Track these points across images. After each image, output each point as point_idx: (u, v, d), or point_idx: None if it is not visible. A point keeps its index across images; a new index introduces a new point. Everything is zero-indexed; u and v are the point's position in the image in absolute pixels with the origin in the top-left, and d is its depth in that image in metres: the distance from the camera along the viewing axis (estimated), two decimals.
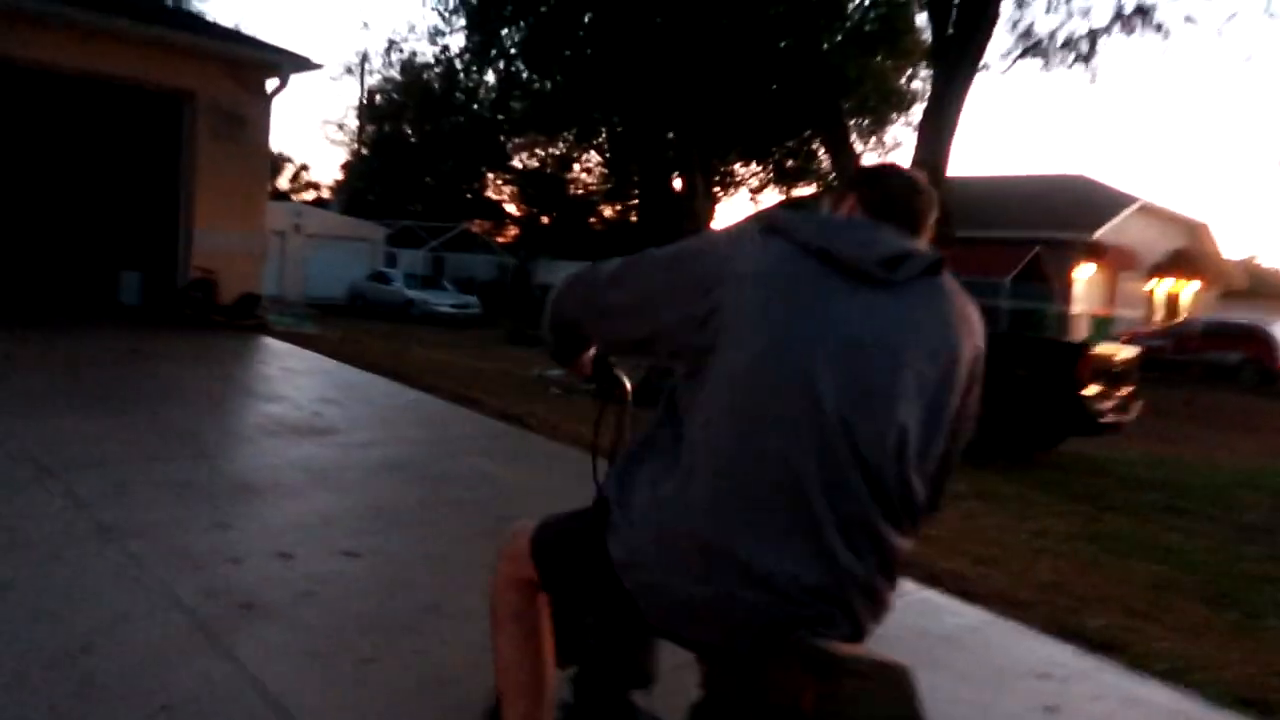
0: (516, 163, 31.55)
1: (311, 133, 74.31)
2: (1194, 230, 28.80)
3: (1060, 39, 10.20)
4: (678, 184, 18.45)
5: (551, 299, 1.67)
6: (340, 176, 39.03)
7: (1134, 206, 25.02)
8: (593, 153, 26.92)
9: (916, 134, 8.66)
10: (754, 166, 20.95)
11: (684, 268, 1.41)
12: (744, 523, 1.30)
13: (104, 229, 13.29)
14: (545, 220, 32.68)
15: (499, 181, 34.07)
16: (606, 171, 27.87)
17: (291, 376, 8.36)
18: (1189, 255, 27.81)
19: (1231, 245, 37.80)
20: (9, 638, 2.73)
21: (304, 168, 42.58)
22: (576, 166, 30.26)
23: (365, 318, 20.95)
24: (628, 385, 1.96)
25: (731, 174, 21.05)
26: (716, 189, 20.99)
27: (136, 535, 3.68)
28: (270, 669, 2.68)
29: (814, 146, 18.19)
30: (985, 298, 18.39)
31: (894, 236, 1.43)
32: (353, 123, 35.54)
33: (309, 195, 40.80)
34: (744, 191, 22.81)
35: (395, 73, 30.67)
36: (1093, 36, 10.25)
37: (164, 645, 2.78)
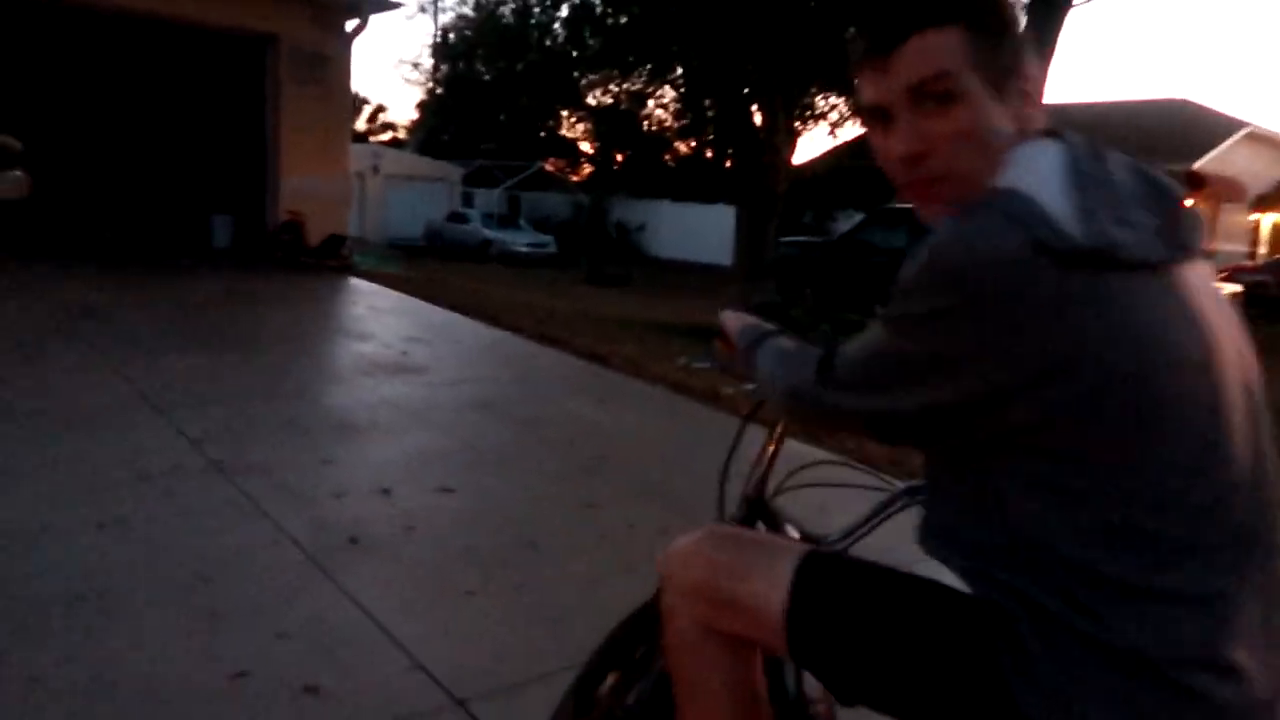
0: (590, 100, 31.27)
1: (387, 73, 74.85)
2: None
3: None
4: (755, 118, 18.06)
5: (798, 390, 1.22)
6: (416, 116, 39.28)
7: (1241, 133, 23.74)
8: (667, 88, 26.52)
9: None
10: (835, 99, 20.39)
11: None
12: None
13: (195, 174, 13.66)
14: (619, 158, 32.45)
15: (573, 119, 33.88)
16: (681, 107, 27.43)
17: (379, 316, 8.52)
18: None
19: None
20: (130, 570, 2.87)
21: (381, 108, 42.84)
22: (651, 103, 29.87)
23: (443, 258, 21.21)
24: None
25: (812, 106, 20.53)
26: (796, 123, 20.52)
27: (245, 471, 3.82)
28: (378, 601, 2.77)
29: None
30: None
31: None
32: (428, 62, 35.65)
33: (385, 136, 41.17)
34: (824, 125, 22.26)
35: (469, 9, 30.58)
36: None
37: (279, 577, 2.89)
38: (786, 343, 1.35)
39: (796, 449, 1.51)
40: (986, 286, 0.94)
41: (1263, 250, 26.08)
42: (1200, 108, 25.29)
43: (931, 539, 1.12)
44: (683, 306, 13.13)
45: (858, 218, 15.97)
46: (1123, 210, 0.96)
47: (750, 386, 1.56)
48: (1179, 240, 1.00)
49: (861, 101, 1.13)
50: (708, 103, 22.78)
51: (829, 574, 1.17)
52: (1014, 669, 0.98)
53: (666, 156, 32.02)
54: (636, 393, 6.17)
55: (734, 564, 1.21)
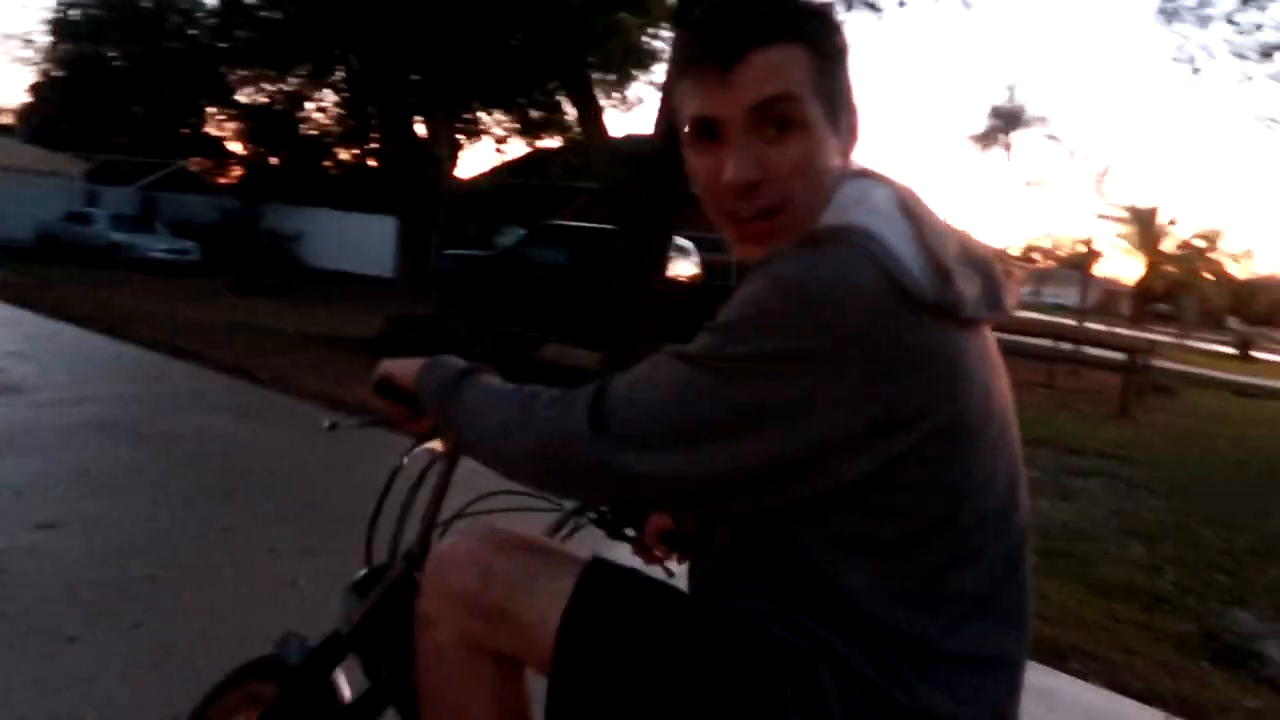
0: (242, 97, 29.14)
1: None
2: None
3: None
4: (420, 129, 17.78)
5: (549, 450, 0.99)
6: (27, 100, 34.29)
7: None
8: (328, 91, 25.40)
9: (660, 94, 8.87)
10: (499, 115, 20.65)
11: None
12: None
13: None
14: (274, 161, 30.51)
15: (221, 117, 31.36)
16: (343, 113, 26.39)
17: None
18: None
19: None
20: None
21: None
22: (310, 105, 28.42)
23: (61, 263, 18.70)
24: None
25: (476, 122, 20.63)
26: (460, 136, 20.49)
27: None
28: None
29: (559, 98, 18.17)
30: (717, 253, 19.35)
31: None
32: (42, 39, 31.29)
33: None
34: (488, 141, 22.45)
35: None
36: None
37: None
38: (503, 383, 1.11)
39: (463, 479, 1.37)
40: (851, 326, 0.85)
41: None
42: None
43: (714, 585, 1.03)
44: (341, 318, 12.60)
45: (521, 233, 16.26)
46: (956, 264, 0.92)
47: (434, 444, 1.33)
48: (996, 299, 0.98)
49: (687, 113, 0.99)
50: (370, 110, 22.13)
51: (614, 588, 1.02)
52: (800, 713, 0.91)
53: (326, 163, 30.61)
54: (285, 408, 5.81)
55: (514, 572, 1.03)
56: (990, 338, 0.99)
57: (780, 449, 0.88)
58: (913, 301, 0.86)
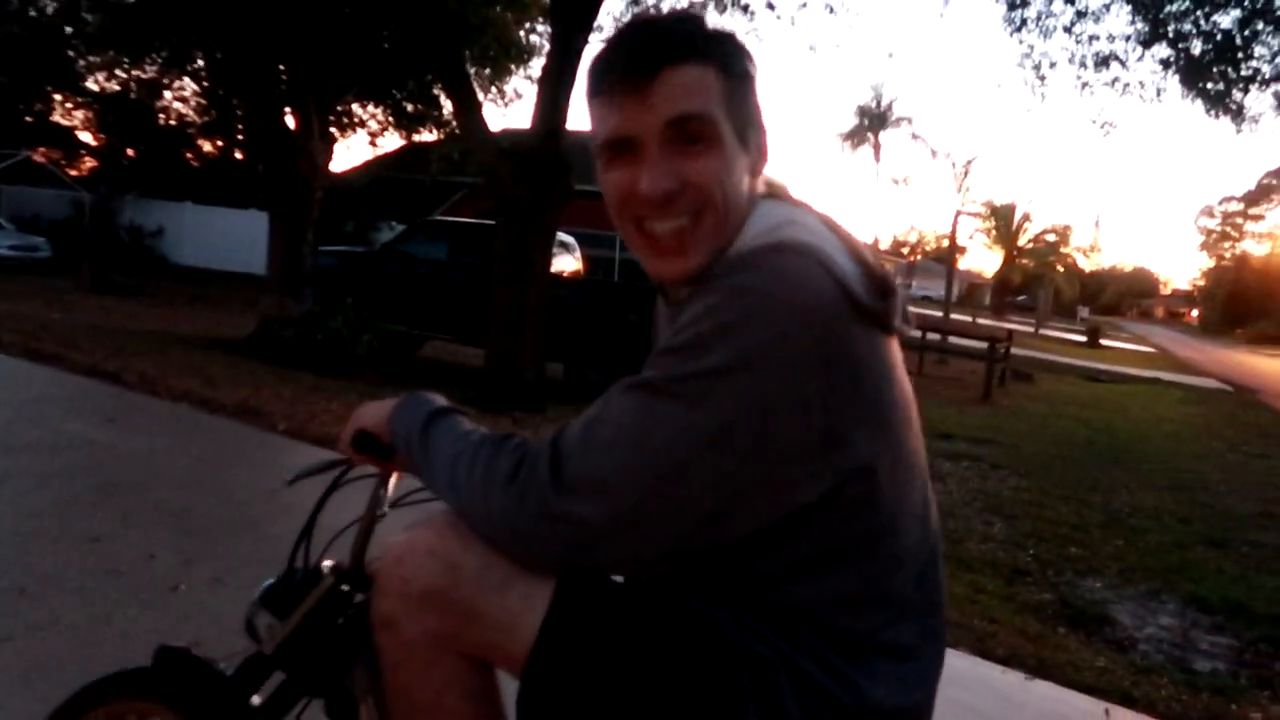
0: (92, 85, 27.51)
1: None
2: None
3: (665, 9, 10.91)
4: (290, 121, 17.10)
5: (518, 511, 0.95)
6: None
7: None
8: (188, 80, 24.23)
9: (537, 87, 8.83)
10: (373, 108, 20.12)
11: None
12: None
13: None
14: (131, 153, 28.95)
15: (70, 105, 29.55)
16: (205, 102, 25.22)
17: None
18: None
19: None
20: None
21: None
22: (169, 94, 27.05)
23: None
24: None
25: (350, 114, 20.05)
26: (333, 129, 19.90)
27: None
28: None
29: (436, 91, 17.83)
30: (601, 249, 19.44)
31: None
32: None
33: None
34: (363, 134, 21.85)
35: None
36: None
37: None
38: (468, 431, 1.06)
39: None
40: (810, 332, 0.87)
41: None
42: None
43: (670, 592, 1.03)
44: (208, 318, 12.11)
45: (398, 228, 15.92)
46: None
47: (421, 496, 1.23)
48: (906, 314, 1.02)
49: (601, 134, 1.00)
50: (235, 100, 21.22)
51: (592, 592, 0.98)
52: (759, 715, 0.93)
53: (189, 155, 29.25)
54: (155, 411, 5.58)
55: (485, 570, 0.96)
56: (898, 348, 1.04)
57: (746, 469, 0.89)
58: (861, 310, 0.91)
